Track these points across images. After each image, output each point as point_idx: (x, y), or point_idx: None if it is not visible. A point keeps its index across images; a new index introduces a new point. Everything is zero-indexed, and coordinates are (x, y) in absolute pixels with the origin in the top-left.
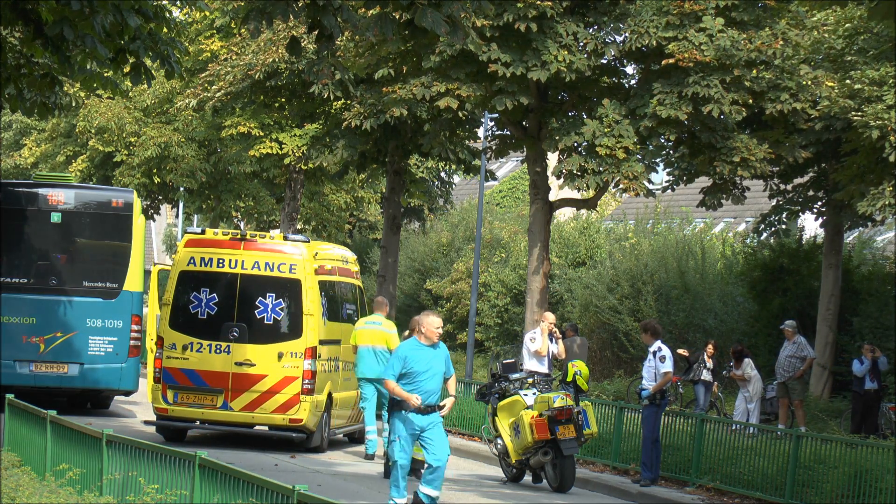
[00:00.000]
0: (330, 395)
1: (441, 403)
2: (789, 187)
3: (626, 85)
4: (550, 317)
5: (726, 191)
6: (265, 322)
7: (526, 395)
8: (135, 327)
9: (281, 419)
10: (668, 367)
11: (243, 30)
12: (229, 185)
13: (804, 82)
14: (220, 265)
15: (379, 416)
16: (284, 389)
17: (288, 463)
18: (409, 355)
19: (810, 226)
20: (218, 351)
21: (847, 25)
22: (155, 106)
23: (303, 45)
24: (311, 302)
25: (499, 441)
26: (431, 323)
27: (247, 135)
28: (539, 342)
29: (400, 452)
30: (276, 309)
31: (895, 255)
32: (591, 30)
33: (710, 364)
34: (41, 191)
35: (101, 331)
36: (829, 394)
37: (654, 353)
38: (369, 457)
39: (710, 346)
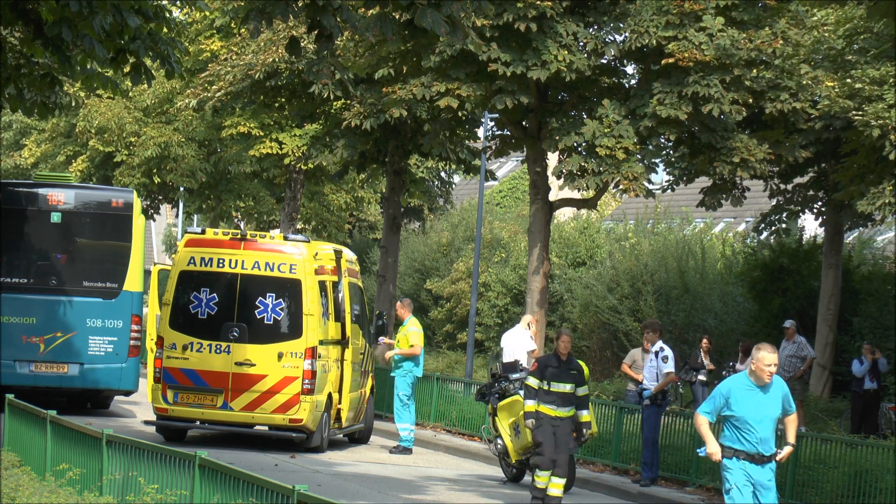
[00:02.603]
0: (330, 396)
1: (777, 451)
2: (789, 187)
3: (626, 85)
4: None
5: (726, 191)
6: (265, 322)
7: None
8: (135, 327)
9: (281, 419)
10: (670, 367)
11: (243, 30)
12: (229, 185)
13: (804, 82)
14: (220, 265)
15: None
16: (284, 389)
17: (288, 463)
18: (732, 395)
19: (810, 226)
20: (218, 351)
21: (847, 25)
22: (155, 106)
23: (303, 45)
24: (311, 302)
25: (499, 441)
26: (762, 359)
27: (247, 135)
28: (534, 344)
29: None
30: (276, 309)
31: (895, 255)
32: (591, 29)
33: (706, 361)
34: (41, 191)
35: (101, 331)
36: (829, 394)
37: (657, 354)
38: (408, 450)
39: (704, 342)
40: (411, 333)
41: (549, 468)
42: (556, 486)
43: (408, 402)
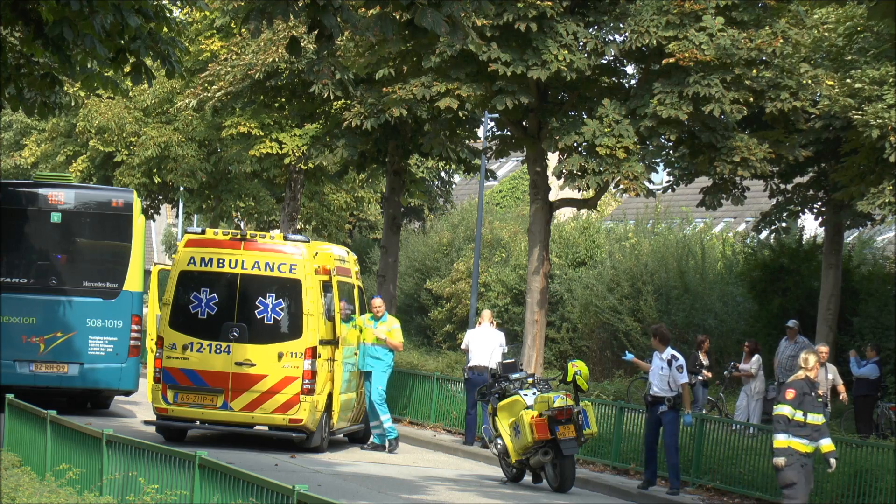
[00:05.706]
0: (330, 396)
1: None
2: (789, 187)
3: (626, 85)
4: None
5: (726, 191)
6: (265, 322)
7: (526, 395)
8: (135, 327)
9: (281, 419)
10: (685, 377)
11: (243, 30)
12: (229, 185)
13: (804, 81)
14: (220, 265)
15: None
16: (284, 389)
17: (288, 463)
18: None
19: (810, 226)
20: (218, 351)
21: (847, 24)
22: (155, 106)
23: (303, 45)
24: (311, 302)
25: (499, 441)
26: None
27: (247, 135)
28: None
29: None
30: (277, 309)
31: (895, 255)
32: (591, 29)
33: (705, 361)
34: (41, 191)
35: (101, 331)
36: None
37: (670, 363)
38: (398, 441)
39: (706, 343)
40: (395, 330)
41: None
42: None
43: (385, 395)
